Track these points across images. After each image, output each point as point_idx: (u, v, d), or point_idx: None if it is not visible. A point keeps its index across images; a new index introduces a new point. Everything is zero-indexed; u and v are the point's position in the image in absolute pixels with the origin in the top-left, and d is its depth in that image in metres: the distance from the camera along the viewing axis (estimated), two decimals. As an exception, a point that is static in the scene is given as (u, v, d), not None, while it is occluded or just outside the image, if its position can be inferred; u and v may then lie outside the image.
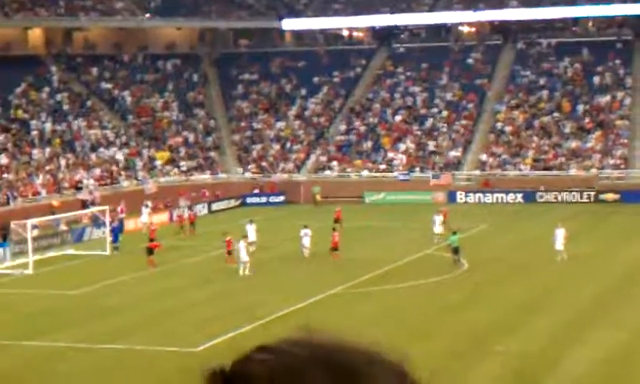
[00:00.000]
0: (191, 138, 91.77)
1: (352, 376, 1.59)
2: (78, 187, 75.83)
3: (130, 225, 68.61)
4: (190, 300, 41.98)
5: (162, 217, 71.85)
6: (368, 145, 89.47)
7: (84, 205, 71.00)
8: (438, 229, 56.24)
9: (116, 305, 41.93)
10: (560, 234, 49.02)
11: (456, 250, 48.49)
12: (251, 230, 54.67)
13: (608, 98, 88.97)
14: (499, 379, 28.94)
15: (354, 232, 61.20)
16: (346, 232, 59.98)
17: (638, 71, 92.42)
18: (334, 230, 55.03)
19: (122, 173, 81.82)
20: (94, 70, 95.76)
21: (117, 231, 59.62)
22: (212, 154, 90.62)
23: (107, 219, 60.69)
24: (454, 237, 49.08)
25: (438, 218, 56.74)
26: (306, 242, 53.36)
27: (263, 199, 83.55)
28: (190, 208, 70.81)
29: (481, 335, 34.10)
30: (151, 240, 53.46)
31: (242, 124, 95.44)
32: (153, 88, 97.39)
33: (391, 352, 1.64)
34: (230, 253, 51.14)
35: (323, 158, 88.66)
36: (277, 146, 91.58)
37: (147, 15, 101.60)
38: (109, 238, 58.65)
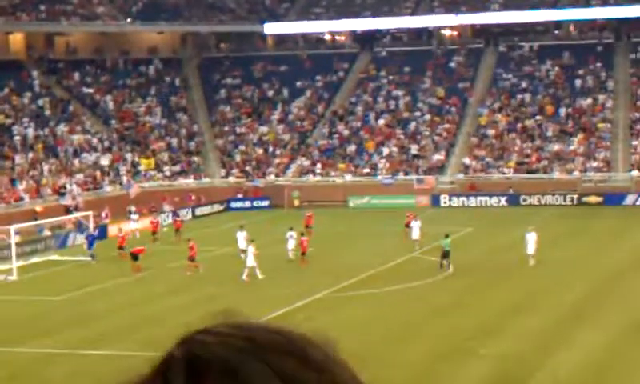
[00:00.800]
0: (174, 142, 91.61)
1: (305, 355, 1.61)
2: (61, 193, 75.56)
3: (113, 230, 68.42)
4: (172, 305, 41.80)
5: (147, 222, 71.58)
6: (351, 149, 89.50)
7: (67, 210, 70.77)
8: (416, 235, 55.42)
9: (100, 310, 41.80)
10: (531, 239, 48.91)
11: (446, 254, 48.33)
12: (241, 238, 54.18)
13: (590, 100, 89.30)
14: (484, 382, 28.96)
15: (339, 236, 61.18)
16: (331, 236, 60.09)
17: (620, 74, 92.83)
18: (302, 235, 55.05)
19: (106, 178, 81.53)
20: (76, 75, 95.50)
21: (92, 239, 58.07)
22: (195, 158, 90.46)
23: (91, 224, 60.53)
24: (446, 240, 48.93)
25: (416, 224, 55.92)
26: (291, 244, 53.70)
27: (247, 204, 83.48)
28: (175, 214, 70.61)
29: (465, 338, 34.13)
30: (120, 247, 53.42)
31: (225, 128, 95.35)
32: (135, 93, 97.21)
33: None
34: (192, 259, 51.21)
35: (307, 163, 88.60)
36: (260, 151, 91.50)
37: (129, 20, 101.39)
38: (85, 245, 58.40)
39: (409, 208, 75.83)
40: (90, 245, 56.78)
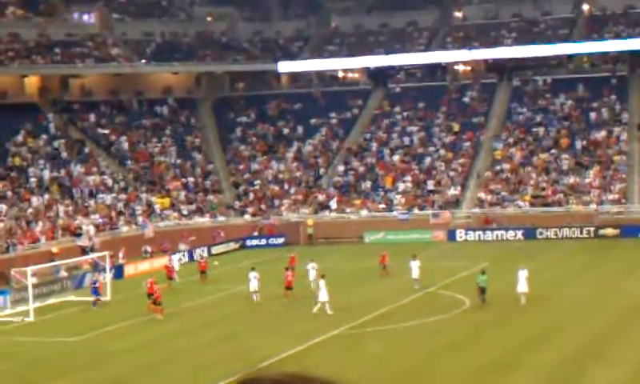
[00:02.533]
0: (190, 181, 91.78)
1: None
2: (77, 233, 75.71)
3: (130, 270, 68.60)
4: (190, 345, 41.83)
5: (162, 261, 71.62)
6: (367, 185, 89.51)
7: (83, 251, 70.89)
8: (416, 274, 54.46)
9: (117, 351, 41.78)
10: (522, 276, 47.56)
11: (483, 290, 47.73)
12: (253, 278, 53.81)
13: (605, 133, 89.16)
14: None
15: (355, 272, 61.08)
16: (346, 272, 60.04)
17: (634, 106, 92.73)
18: (286, 269, 55.22)
19: (121, 218, 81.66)
20: (91, 116, 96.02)
21: (96, 287, 56.14)
22: (210, 197, 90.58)
23: (107, 265, 60.56)
24: (482, 276, 48.38)
25: (415, 264, 54.78)
26: (312, 274, 55.02)
27: (263, 241, 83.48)
28: (201, 256, 70.07)
29: (480, 373, 33.94)
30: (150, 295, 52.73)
31: (241, 166, 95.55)
32: (150, 133, 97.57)
33: None
34: (150, 296, 51.09)
35: (322, 198, 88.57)
36: (275, 188, 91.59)
37: (143, 61, 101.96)
38: (108, 283, 58.30)
39: (425, 244, 75.98)
40: (94, 291, 55.98)
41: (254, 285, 53.34)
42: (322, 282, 48.31)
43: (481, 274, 48.60)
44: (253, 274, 53.84)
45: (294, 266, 59.28)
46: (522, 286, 47.32)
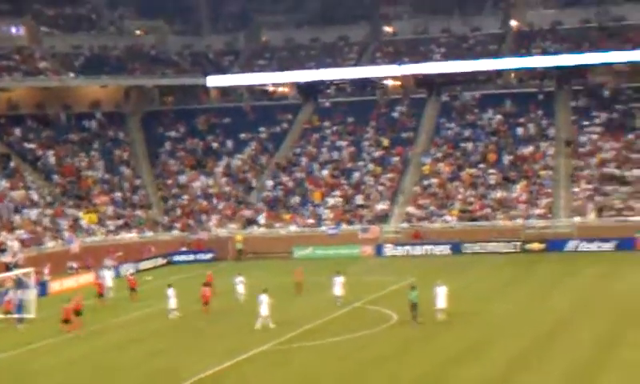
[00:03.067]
0: (117, 196, 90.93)
1: None
2: (1, 249, 74.53)
3: (55, 286, 67.66)
4: (115, 362, 41.30)
5: (88, 277, 70.82)
6: (296, 200, 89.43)
7: (7, 267, 69.75)
8: (339, 291, 53.64)
9: (41, 369, 41.12)
10: (441, 293, 47.04)
11: (414, 306, 46.84)
12: (171, 295, 53.45)
13: (532, 148, 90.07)
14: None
15: (282, 287, 60.84)
16: (274, 287, 59.66)
17: (560, 121, 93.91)
18: (204, 285, 55.50)
19: (47, 234, 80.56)
20: (17, 131, 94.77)
21: (20, 304, 55.74)
22: (139, 212, 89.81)
23: (33, 281, 59.63)
24: (413, 292, 47.38)
25: (338, 280, 53.86)
26: (241, 288, 56.34)
27: (191, 257, 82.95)
28: (131, 273, 69.16)
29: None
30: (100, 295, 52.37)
31: (169, 181, 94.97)
32: (78, 147, 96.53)
33: None
34: (78, 313, 50.94)
35: (250, 214, 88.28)
36: (204, 203, 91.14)
37: (71, 74, 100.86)
38: (33, 300, 57.36)
39: (353, 258, 76.19)
40: (18, 309, 55.31)
41: (172, 303, 53.00)
42: (263, 297, 47.95)
43: (411, 289, 48.08)
44: (170, 291, 53.40)
45: (211, 282, 59.04)
46: (441, 302, 46.90)
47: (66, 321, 50.24)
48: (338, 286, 53.70)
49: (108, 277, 64.77)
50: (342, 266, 61.00)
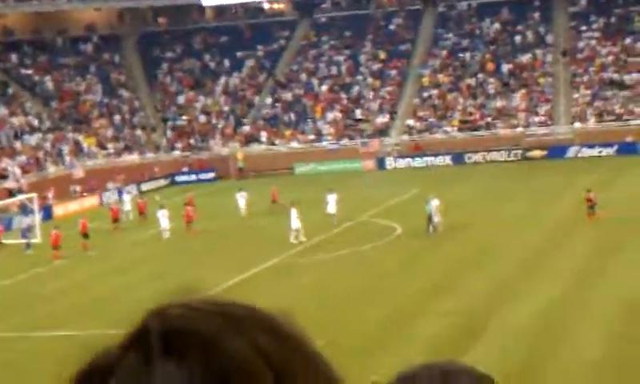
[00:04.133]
0: (117, 119, 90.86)
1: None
2: (3, 176, 74.67)
3: (59, 210, 67.92)
4: (125, 283, 41.60)
5: (92, 200, 71.09)
6: (296, 116, 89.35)
7: (11, 193, 69.95)
8: (332, 209, 52.11)
9: (51, 292, 41.43)
10: (434, 205, 47.25)
11: (430, 217, 47.09)
12: (162, 216, 53.59)
13: (530, 56, 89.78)
14: (439, 338, 29.12)
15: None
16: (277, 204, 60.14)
17: (558, 28, 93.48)
18: (185, 205, 56.04)
19: (48, 159, 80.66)
20: (14, 57, 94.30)
21: (25, 230, 56.82)
22: (139, 133, 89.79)
23: (36, 206, 59.90)
24: (429, 204, 47.57)
25: (332, 197, 52.40)
26: (242, 202, 58.01)
27: (193, 177, 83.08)
28: (140, 196, 67.84)
29: (418, 297, 34.30)
30: (84, 235, 52.44)
31: (168, 102, 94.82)
32: (74, 71, 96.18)
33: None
34: (85, 236, 51.58)
35: (251, 130, 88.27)
36: (204, 122, 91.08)
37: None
38: (37, 224, 57.69)
39: (355, 173, 76.37)
40: (24, 234, 55.82)
41: (164, 223, 53.22)
42: (293, 211, 48.29)
43: (427, 202, 47.87)
44: (161, 213, 53.54)
45: (192, 202, 58.86)
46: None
47: (85, 234, 51.01)
48: (332, 203, 52.36)
49: (127, 201, 64.23)
50: (345, 181, 61.15)
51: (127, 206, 63.41)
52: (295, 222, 47.92)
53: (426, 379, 1.75)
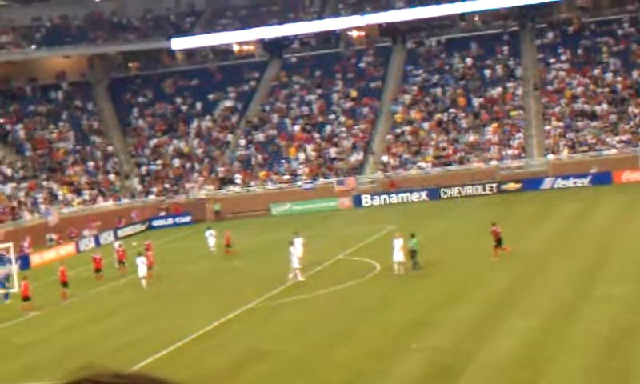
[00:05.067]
0: (90, 165, 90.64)
1: None
2: (-22, 226, 74.23)
3: (36, 259, 67.54)
4: (103, 330, 41.40)
5: (69, 248, 70.79)
6: (270, 157, 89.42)
7: (-14, 244, 69.47)
8: (299, 252, 49.46)
9: (28, 342, 41.13)
10: (397, 245, 46.20)
11: (414, 253, 46.60)
12: (141, 263, 51.90)
13: (500, 89, 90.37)
14: (419, 375, 29.09)
15: (262, 246, 61.06)
16: (254, 246, 60.09)
17: (527, 61, 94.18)
18: (146, 250, 55.54)
19: (23, 207, 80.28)
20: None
21: (2, 280, 55.76)
22: (113, 179, 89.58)
23: (12, 256, 59.48)
24: (413, 240, 47.02)
25: (298, 241, 50.66)
26: (211, 242, 58.98)
27: (170, 221, 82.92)
28: (119, 245, 65.77)
29: (398, 334, 34.26)
30: (64, 284, 51.83)
31: (141, 147, 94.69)
32: (46, 119, 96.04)
33: None
34: (64, 285, 51.04)
35: (225, 173, 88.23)
36: (178, 166, 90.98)
37: (34, 46, 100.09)
38: (15, 274, 57.25)
39: (332, 211, 76.43)
40: (1, 284, 55.47)
41: (142, 271, 51.74)
42: (296, 246, 48.62)
43: (410, 237, 47.20)
44: (140, 260, 52.21)
45: (149, 248, 57.88)
46: (398, 255, 46.00)
47: (25, 298, 49.55)
48: (299, 247, 50.14)
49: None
50: (322, 220, 61.21)
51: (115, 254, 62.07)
52: (295, 260, 47.66)
53: None
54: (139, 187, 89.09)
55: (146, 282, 51.84)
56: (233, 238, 60.22)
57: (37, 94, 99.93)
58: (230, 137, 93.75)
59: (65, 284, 51.48)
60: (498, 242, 47.42)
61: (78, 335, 41.17)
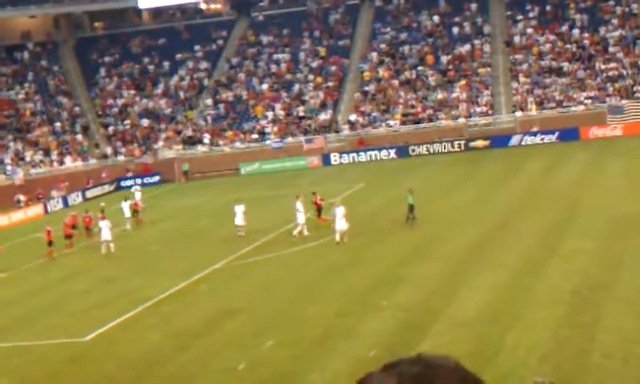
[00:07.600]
0: (57, 126, 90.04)
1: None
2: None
3: (4, 221, 67.14)
4: (73, 290, 41.32)
5: (37, 209, 70.44)
6: (238, 116, 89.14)
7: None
8: (240, 220, 49.43)
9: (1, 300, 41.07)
10: (339, 212, 44.55)
11: (411, 208, 46.95)
12: (104, 227, 50.65)
13: (468, 47, 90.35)
14: (388, 332, 29.18)
15: (231, 205, 60.96)
16: (223, 206, 59.94)
17: (495, 18, 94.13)
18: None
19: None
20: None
21: None
22: (79, 136, 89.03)
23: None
24: (410, 196, 47.27)
25: (239, 208, 49.72)
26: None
27: (138, 181, 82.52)
28: (86, 211, 64.55)
29: (366, 292, 34.33)
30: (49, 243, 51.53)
31: (108, 107, 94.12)
32: (12, 80, 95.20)
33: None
34: (50, 244, 50.74)
35: (193, 133, 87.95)
36: (145, 126, 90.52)
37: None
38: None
39: (301, 170, 76.34)
40: None
41: (105, 234, 50.49)
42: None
43: (408, 193, 47.56)
44: (104, 223, 50.81)
45: (138, 209, 58.27)
46: (340, 224, 44.39)
47: (50, 242, 50.57)
48: (240, 214, 49.81)
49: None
50: (291, 179, 61.11)
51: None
52: (301, 216, 47.50)
53: (408, 365, 2.13)
54: (108, 148, 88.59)
55: (111, 246, 50.61)
56: (205, 196, 60.24)
57: (2, 54, 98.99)
58: (198, 96, 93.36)
59: (50, 243, 51.08)
60: (319, 211, 48.50)
61: (46, 296, 41.03)
